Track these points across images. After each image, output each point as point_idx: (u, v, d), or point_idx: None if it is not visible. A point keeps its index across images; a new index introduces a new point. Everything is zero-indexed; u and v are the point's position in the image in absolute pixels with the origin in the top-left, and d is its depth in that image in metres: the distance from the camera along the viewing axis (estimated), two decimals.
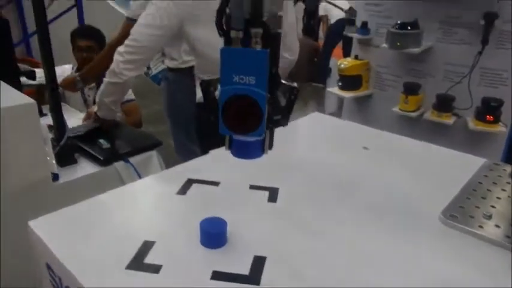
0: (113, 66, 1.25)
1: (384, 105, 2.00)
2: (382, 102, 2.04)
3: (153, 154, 1.32)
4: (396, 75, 1.97)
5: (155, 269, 0.49)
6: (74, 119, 1.49)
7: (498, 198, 0.65)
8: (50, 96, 1.17)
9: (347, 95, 2.07)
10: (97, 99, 1.38)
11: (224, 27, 0.44)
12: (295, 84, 0.52)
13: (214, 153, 0.81)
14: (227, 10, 0.43)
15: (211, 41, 1.31)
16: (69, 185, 1.11)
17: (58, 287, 0.55)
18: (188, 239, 0.54)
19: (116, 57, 1.24)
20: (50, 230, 0.56)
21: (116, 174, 1.21)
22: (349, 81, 2.07)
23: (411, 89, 1.87)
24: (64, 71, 1.92)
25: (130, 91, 2.15)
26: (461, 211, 0.61)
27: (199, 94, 1.47)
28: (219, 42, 0.45)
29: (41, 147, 0.98)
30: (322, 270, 0.50)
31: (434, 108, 1.83)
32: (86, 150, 1.24)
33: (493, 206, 0.63)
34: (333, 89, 2.15)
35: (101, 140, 1.27)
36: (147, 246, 0.53)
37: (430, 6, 1.77)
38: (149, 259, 0.51)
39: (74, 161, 1.19)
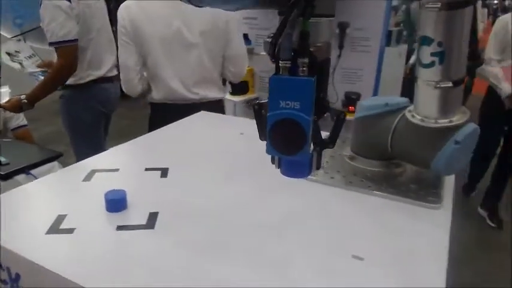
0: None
1: None
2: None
3: (55, 165, 1.39)
4: None
5: (69, 230, 0.62)
6: None
7: (331, 156, 0.90)
8: None
9: (237, 99, 2.30)
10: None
11: (274, 57, 0.46)
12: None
13: (113, 149, 0.95)
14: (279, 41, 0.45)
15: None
16: None
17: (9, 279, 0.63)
18: (95, 209, 0.68)
19: None
20: None
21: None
22: (238, 87, 2.31)
23: None
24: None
25: (22, 116, 2.14)
26: None
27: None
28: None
29: None
30: (204, 217, 0.68)
31: None
32: None
33: (327, 162, 0.86)
34: (225, 95, 2.37)
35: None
36: (60, 218, 0.65)
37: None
38: (64, 225, 0.64)
39: None
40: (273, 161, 0.55)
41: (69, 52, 1.74)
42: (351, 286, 0.51)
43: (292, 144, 0.47)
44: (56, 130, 2.23)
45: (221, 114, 1.29)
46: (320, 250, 0.59)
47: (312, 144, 0.49)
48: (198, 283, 0.51)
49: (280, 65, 0.45)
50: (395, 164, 0.83)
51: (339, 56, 2.04)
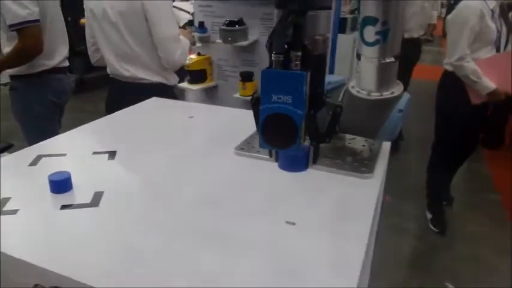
0: None
1: (228, 93, 2.29)
2: (226, 91, 2.33)
3: (5, 155, 1.36)
4: (233, 66, 2.28)
5: (13, 211, 0.63)
6: None
7: None
8: None
9: (195, 87, 2.31)
10: None
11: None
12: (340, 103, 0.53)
13: (61, 135, 0.96)
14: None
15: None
16: None
17: None
18: (40, 191, 0.69)
19: None
20: None
21: None
22: (196, 76, 2.31)
23: (246, 77, 2.20)
24: None
25: None
26: (248, 145, 0.87)
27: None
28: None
29: None
30: (148, 195, 0.71)
31: None
32: None
33: None
34: (183, 84, 2.37)
35: None
36: (4, 200, 0.66)
37: (251, 6, 2.12)
38: (7, 207, 0.65)
39: None
40: (270, 155, 0.55)
41: (34, 33, 1.70)
42: (284, 250, 0.56)
43: (284, 138, 0.46)
44: (10, 125, 2.17)
45: (172, 100, 1.31)
46: (256, 219, 0.63)
47: (308, 138, 0.49)
48: (141, 255, 0.54)
49: (272, 58, 0.45)
50: (337, 137, 0.88)
51: None
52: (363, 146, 0.88)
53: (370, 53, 0.73)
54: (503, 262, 2.04)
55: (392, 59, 0.73)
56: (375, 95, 0.77)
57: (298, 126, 0.44)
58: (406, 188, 2.84)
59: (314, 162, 0.52)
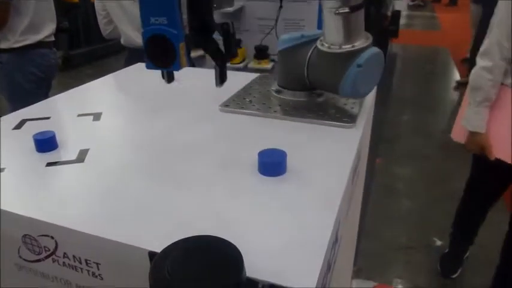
0: None
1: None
2: None
3: None
4: (220, 34, 2.26)
5: None
6: None
7: (260, 92, 0.94)
8: None
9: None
10: None
11: None
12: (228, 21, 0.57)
13: (45, 101, 0.96)
14: None
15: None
16: None
17: None
18: (25, 151, 0.70)
19: None
20: None
21: None
22: None
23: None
24: None
25: None
26: (233, 102, 0.88)
27: None
28: None
29: None
30: (132, 149, 0.71)
31: (255, 57, 2.18)
32: None
33: (254, 97, 0.91)
34: None
35: None
36: None
37: None
38: None
39: None
40: (163, 76, 0.59)
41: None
42: (262, 204, 0.57)
43: (165, 57, 0.50)
44: None
45: None
46: (233, 169, 0.64)
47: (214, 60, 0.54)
48: (125, 203, 0.55)
49: None
50: (317, 93, 0.89)
51: (280, 7, 2.06)
52: (346, 99, 0.89)
53: (328, 4, 0.72)
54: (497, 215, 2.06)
55: (347, 10, 0.70)
56: (335, 48, 0.76)
57: (175, 45, 0.49)
58: (397, 151, 2.88)
59: (221, 81, 0.57)
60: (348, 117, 0.80)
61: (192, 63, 0.64)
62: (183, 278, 0.35)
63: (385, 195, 2.40)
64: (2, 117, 0.86)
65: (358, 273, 1.60)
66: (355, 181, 0.78)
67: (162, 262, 0.37)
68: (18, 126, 0.81)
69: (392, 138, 3.00)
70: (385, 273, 1.80)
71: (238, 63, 2.20)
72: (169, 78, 0.65)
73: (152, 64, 0.55)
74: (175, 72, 0.99)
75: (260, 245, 0.46)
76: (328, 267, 0.52)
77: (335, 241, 0.55)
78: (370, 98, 0.93)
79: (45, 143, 0.69)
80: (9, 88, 1.90)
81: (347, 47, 0.74)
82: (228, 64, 2.30)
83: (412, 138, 2.57)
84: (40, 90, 1.97)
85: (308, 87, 0.87)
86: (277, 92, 0.92)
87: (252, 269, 0.40)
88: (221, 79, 0.58)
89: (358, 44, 0.74)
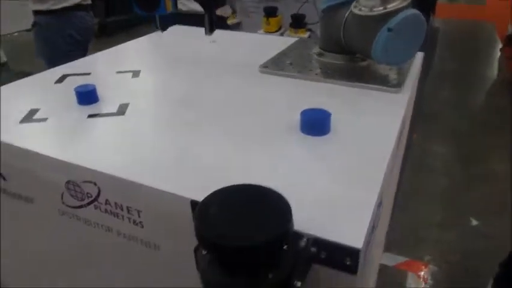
0: None
1: (251, 30, 2.24)
2: (249, 28, 2.27)
3: None
4: (256, 2, 2.21)
5: (43, 119, 0.65)
6: None
7: (300, 55, 0.91)
8: None
9: None
10: None
11: None
12: None
13: (83, 58, 0.96)
14: None
15: None
16: None
17: None
18: (67, 103, 0.70)
19: None
20: None
21: None
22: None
23: (270, 12, 2.13)
24: None
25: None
26: (273, 64, 0.85)
27: None
28: None
29: None
30: (173, 104, 0.71)
31: (291, 26, 2.12)
32: None
33: (294, 59, 0.88)
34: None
35: None
36: (33, 111, 0.68)
37: None
38: (37, 116, 0.66)
39: None
40: (205, 30, 0.57)
41: None
42: (307, 162, 0.55)
43: (151, 1, 0.52)
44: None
45: (195, 27, 1.28)
46: (274, 128, 0.62)
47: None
48: (168, 153, 0.55)
49: None
50: (360, 57, 0.85)
51: None
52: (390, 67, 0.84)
53: None
54: None
55: None
56: (365, 10, 0.71)
57: None
58: (435, 127, 2.78)
59: (210, 31, 0.58)
60: (393, 82, 0.76)
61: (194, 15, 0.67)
62: (230, 225, 0.34)
63: (421, 172, 2.34)
64: (42, 73, 0.87)
65: (388, 247, 1.58)
66: (399, 148, 0.74)
67: (207, 209, 0.36)
68: (60, 80, 0.82)
69: (431, 114, 2.89)
70: (417, 249, 1.77)
71: (274, 32, 2.15)
72: (211, 27, 0.63)
73: (139, 8, 0.56)
74: (212, 36, 0.97)
75: (306, 201, 0.44)
76: (372, 229, 0.50)
77: (379, 204, 0.53)
78: (417, 67, 0.88)
79: (86, 96, 0.69)
80: (47, 51, 1.93)
81: (378, 10, 0.69)
82: (263, 32, 2.27)
83: (450, 114, 2.47)
84: (77, 53, 1.99)
85: (348, 50, 0.83)
86: (319, 54, 0.88)
87: (298, 222, 0.38)
88: (210, 27, 0.59)
89: (391, 6, 0.68)
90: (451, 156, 2.52)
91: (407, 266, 1.68)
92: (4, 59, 4.06)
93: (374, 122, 0.63)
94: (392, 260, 1.63)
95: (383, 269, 1.52)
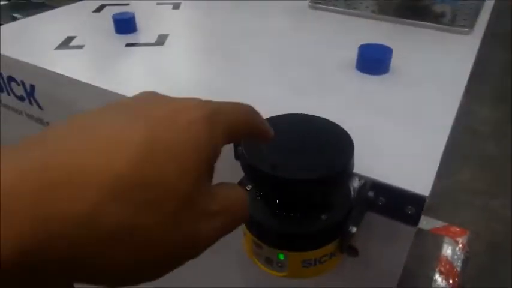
0: None
1: None
2: None
3: None
4: None
5: (79, 47, 0.61)
6: None
7: None
8: None
9: None
10: None
11: None
12: None
13: None
14: None
15: None
16: None
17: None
18: (105, 32, 0.66)
19: None
20: None
21: None
22: None
23: None
24: None
25: None
26: None
27: None
28: None
29: None
30: (213, 38, 0.65)
31: None
32: None
33: None
34: None
35: None
36: (70, 38, 0.64)
37: None
38: (73, 43, 0.63)
39: None
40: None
41: None
42: (363, 99, 0.49)
43: None
44: None
45: None
46: (327, 65, 0.56)
47: None
48: (209, 86, 0.51)
49: None
50: None
51: None
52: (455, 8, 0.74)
53: None
54: None
55: None
56: None
57: None
58: (485, 90, 2.60)
59: None
60: (464, 22, 0.67)
61: None
62: (283, 156, 0.29)
63: (468, 136, 2.21)
64: (79, 2, 0.83)
65: (427, 210, 1.51)
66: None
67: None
68: (98, 9, 0.77)
69: (480, 75, 2.69)
70: (457, 215, 1.69)
71: None
72: None
73: None
74: None
75: (364, 144, 0.39)
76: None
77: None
78: (488, 9, 0.77)
79: (125, 24, 0.65)
80: None
81: None
82: None
83: (502, 77, 2.27)
84: None
85: None
86: None
87: (356, 164, 0.33)
88: None
89: None
90: (501, 121, 2.35)
91: (444, 231, 1.62)
92: None
93: (440, 65, 0.56)
94: (430, 223, 1.56)
95: (417, 232, 1.47)
